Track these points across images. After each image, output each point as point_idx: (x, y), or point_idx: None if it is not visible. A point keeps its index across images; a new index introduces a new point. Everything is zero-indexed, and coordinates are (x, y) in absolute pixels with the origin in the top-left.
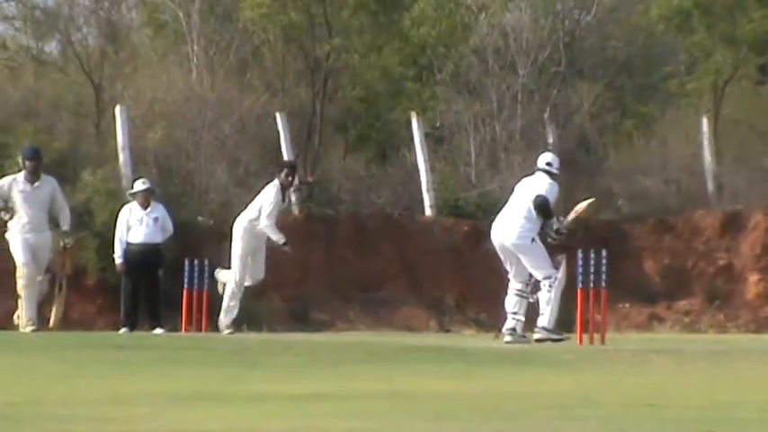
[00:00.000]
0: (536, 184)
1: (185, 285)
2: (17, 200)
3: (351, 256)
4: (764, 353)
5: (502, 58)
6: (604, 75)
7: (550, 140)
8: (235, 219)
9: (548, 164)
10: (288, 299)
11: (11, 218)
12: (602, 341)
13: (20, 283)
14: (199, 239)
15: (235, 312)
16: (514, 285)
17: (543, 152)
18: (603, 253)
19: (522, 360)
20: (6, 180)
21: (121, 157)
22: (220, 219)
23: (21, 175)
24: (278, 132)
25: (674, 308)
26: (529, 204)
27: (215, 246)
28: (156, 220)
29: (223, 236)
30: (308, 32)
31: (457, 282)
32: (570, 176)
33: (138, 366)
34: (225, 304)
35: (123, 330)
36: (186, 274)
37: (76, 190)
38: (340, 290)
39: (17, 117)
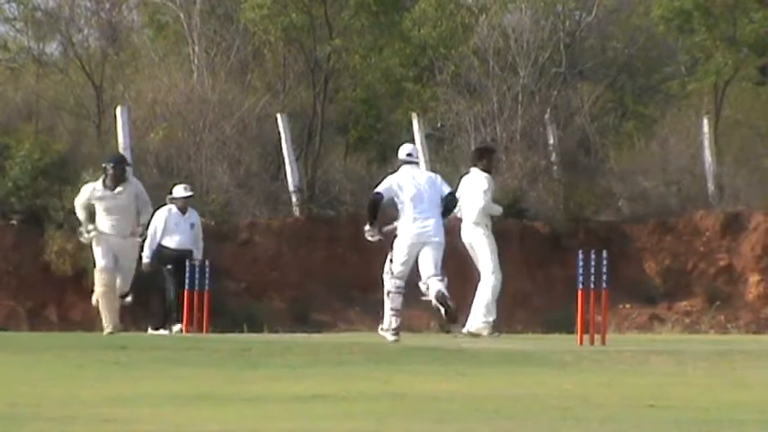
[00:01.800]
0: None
1: (186, 286)
2: (98, 208)
3: (352, 257)
4: (765, 353)
5: (502, 59)
6: (605, 76)
7: (551, 141)
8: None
9: (408, 155)
10: (289, 300)
11: (90, 237)
12: (603, 342)
13: (98, 290)
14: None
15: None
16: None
17: (403, 143)
18: (604, 254)
19: (522, 360)
20: (87, 189)
21: None
22: (221, 220)
23: (99, 183)
24: (279, 133)
25: (674, 308)
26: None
27: (216, 246)
28: (192, 226)
29: (224, 237)
30: (308, 33)
31: (457, 283)
32: (571, 177)
33: (139, 367)
34: (485, 307)
35: (177, 328)
36: (187, 274)
37: (77, 191)
38: (341, 291)
39: (18, 118)
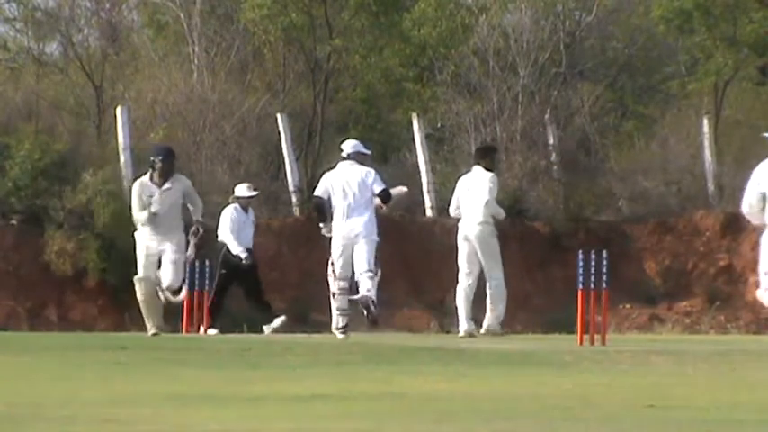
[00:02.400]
0: None
1: (186, 286)
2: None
3: None
4: (765, 353)
5: (502, 59)
6: (605, 76)
7: (551, 141)
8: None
9: (341, 150)
10: (289, 300)
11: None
12: (603, 342)
13: (138, 297)
14: (199, 240)
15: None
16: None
17: (346, 140)
18: (604, 254)
19: (522, 360)
20: (137, 189)
21: (122, 158)
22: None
23: (146, 179)
24: (279, 133)
25: (674, 309)
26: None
27: (216, 246)
28: (253, 222)
29: None
30: (308, 33)
31: (457, 282)
32: (571, 177)
33: (139, 367)
34: (496, 309)
35: (215, 331)
36: (187, 274)
37: (77, 191)
38: None
39: (18, 118)
